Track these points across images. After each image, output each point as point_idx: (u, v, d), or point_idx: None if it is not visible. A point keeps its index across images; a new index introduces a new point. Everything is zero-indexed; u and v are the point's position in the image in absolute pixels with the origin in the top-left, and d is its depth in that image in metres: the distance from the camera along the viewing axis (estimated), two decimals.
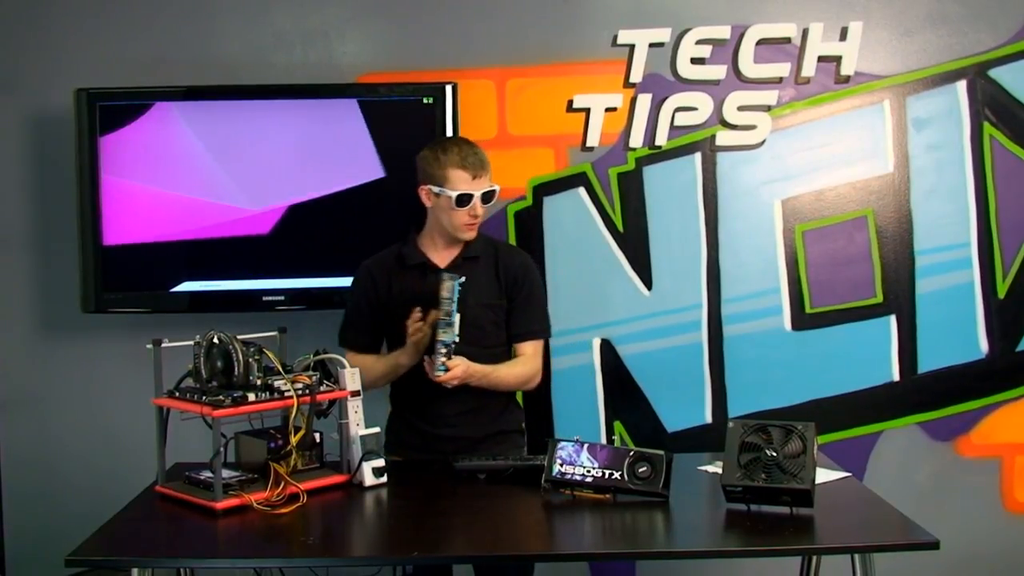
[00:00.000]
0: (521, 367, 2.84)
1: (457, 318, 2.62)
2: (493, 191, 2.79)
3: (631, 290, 3.46)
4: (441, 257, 2.84)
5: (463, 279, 2.65)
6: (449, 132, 3.24)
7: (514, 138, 3.41)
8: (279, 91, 3.27)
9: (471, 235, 2.81)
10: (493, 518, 2.34)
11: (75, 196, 3.23)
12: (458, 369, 2.64)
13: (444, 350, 2.61)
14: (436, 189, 2.76)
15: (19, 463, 3.50)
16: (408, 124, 3.28)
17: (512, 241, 3.43)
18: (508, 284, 2.84)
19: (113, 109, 3.20)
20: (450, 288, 2.61)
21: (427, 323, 2.66)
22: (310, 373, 2.52)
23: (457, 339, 2.62)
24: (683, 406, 3.49)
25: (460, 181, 2.74)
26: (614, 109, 3.42)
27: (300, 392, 2.45)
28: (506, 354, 2.85)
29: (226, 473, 2.39)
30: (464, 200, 2.74)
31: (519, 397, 3.01)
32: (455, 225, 2.78)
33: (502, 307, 2.84)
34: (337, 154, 3.26)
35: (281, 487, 2.37)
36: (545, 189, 3.45)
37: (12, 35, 3.43)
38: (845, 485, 2.55)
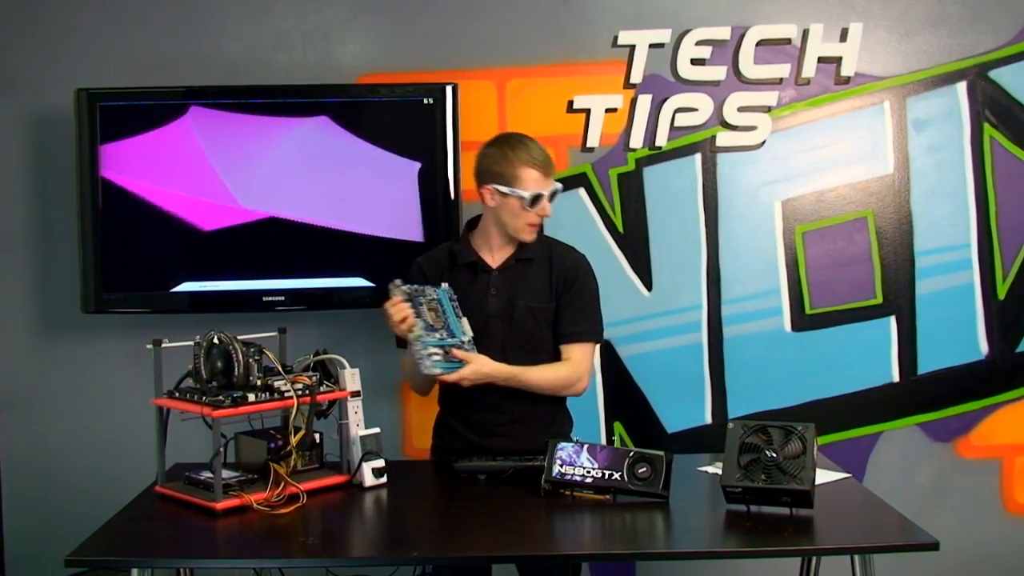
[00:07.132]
0: (560, 370, 2.73)
1: (433, 320, 2.56)
2: (558, 191, 2.72)
3: (631, 291, 3.46)
4: (494, 258, 2.76)
5: (398, 281, 2.57)
6: (449, 133, 3.24)
7: None
8: (279, 91, 3.26)
9: (533, 237, 2.72)
10: (493, 518, 2.34)
11: (75, 196, 3.23)
12: (466, 369, 2.56)
13: (425, 351, 2.55)
14: (505, 189, 2.65)
15: (19, 463, 3.49)
16: (408, 125, 3.27)
17: None
18: (558, 285, 2.74)
19: (115, 111, 3.20)
20: (400, 294, 2.56)
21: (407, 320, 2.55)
22: (310, 374, 2.52)
23: (436, 340, 2.55)
24: (683, 407, 3.49)
25: (531, 181, 2.65)
26: (614, 110, 3.42)
27: (300, 392, 2.45)
28: (556, 359, 2.75)
29: (226, 473, 2.39)
30: (537, 200, 2.66)
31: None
32: (519, 227, 2.69)
33: (551, 310, 2.74)
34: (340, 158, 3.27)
35: (281, 487, 2.38)
36: None
37: (12, 35, 3.42)
38: (845, 486, 2.55)
